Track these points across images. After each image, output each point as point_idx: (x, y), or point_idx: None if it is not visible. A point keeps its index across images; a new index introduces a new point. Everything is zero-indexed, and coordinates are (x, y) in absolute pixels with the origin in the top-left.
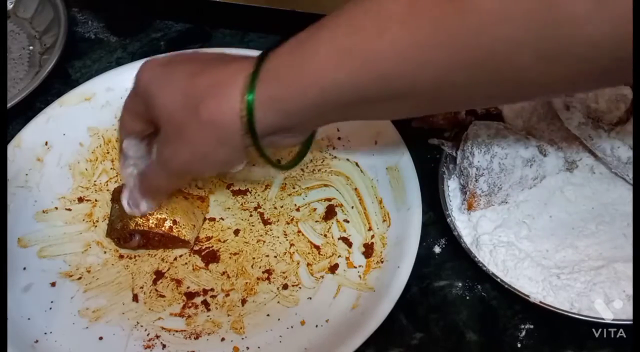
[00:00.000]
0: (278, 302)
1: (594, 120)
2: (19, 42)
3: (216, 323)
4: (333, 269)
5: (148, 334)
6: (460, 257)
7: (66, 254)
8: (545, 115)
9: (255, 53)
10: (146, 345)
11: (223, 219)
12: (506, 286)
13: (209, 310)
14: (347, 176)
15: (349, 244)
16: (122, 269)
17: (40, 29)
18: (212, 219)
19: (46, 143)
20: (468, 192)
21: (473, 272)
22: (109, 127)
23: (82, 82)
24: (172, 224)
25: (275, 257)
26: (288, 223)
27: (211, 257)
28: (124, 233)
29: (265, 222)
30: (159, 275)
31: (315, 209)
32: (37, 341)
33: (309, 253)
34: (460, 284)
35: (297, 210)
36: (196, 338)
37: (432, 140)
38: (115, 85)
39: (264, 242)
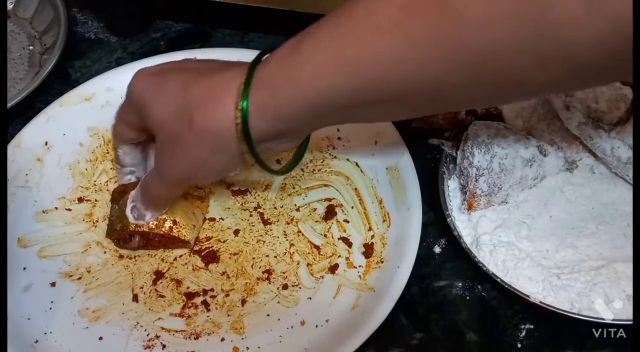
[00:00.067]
0: (278, 302)
1: (594, 120)
2: (19, 42)
3: (216, 323)
4: (333, 269)
5: (148, 334)
6: (460, 257)
7: (66, 254)
8: (545, 115)
9: (254, 53)
10: (146, 345)
11: (223, 219)
12: (506, 286)
13: (208, 310)
14: (347, 176)
15: (349, 244)
16: (122, 269)
17: (40, 29)
18: (212, 219)
19: (46, 143)
20: (468, 192)
21: (473, 272)
22: (109, 127)
23: (82, 82)
24: (172, 225)
25: (275, 257)
26: (288, 223)
27: (211, 257)
28: (123, 234)
29: (265, 222)
30: (158, 275)
31: (315, 209)
32: (37, 341)
33: (309, 253)
34: (460, 284)
35: (297, 210)
36: (196, 338)
37: (432, 140)
38: (115, 85)
39: (264, 242)
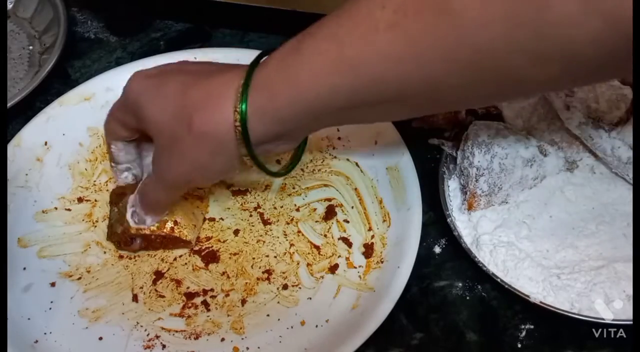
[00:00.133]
0: (278, 302)
1: (594, 120)
2: (19, 42)
3: (216, 323)
4: (333, 269)
5: (148, 334)
6: (460, 257)
7: (66, 254)
8: (545, 115)
9: (254, 53)
10: (146, 345)
11: (223, 219)
12: (506, 286)
13: (208, 310)
14: (347, 176)
15: (349, 244)
16: (121, 269)
17: (40, 29)
18: (212, 219)
19: (46, 143)
20: (468, 192)
21: (473, 272)
22: None
23: (81, 82)
24: (173, 225)
25: (275, 257)
26: (288, 223)
27: (211, 257)
28: (125, 237)
29: (265, 223)
30: (158, 275)
31: (315, 209)
32: (37, 341)
33: (309, 253)
34: (460, 284)
35: (297, 210)
36: (196, 338)
37: (432, 140)
38: (115, 85)
39: (264, 242)
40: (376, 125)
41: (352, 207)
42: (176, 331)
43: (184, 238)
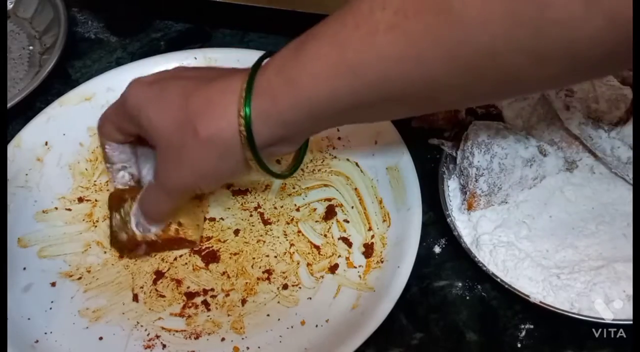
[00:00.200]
0: (278, 302)
1: (594, 120)
2: (19, 42)
3: (216, 323)
4: (333, 269)
5: (148, 334)
6: (460, 257)
7: (66, 254)
8: (545, 115)
9: (254, 53)
10: (146, 345)
11: (223, 219)
12: (506, 286)
13: (209, 310)
14: (347, 175)
15: (349, 244)
16: (122, 269)
17: (40, 29)
18: (212, 219)
19: (46, 143)
20: (468, 192)
21: (473, 272)
22: None
23: (82, 82)
24: (177, 227)
25: (275, 257)
26: (288, 223)
27: (211, 257)
28: (131, 245)
29: (265, 222)
30: (159, 275)
31: (315, 209)
32: (37, 341)
33: (309, 253)
34: (460, 284)
35: (297, 210)
36: (196, 338)
37: (432, 140)
38: (115, 85)
39: (264, 242)
40: (376, 125)
41: (352, 207)
42: (176, 331)
43: (189, 238)
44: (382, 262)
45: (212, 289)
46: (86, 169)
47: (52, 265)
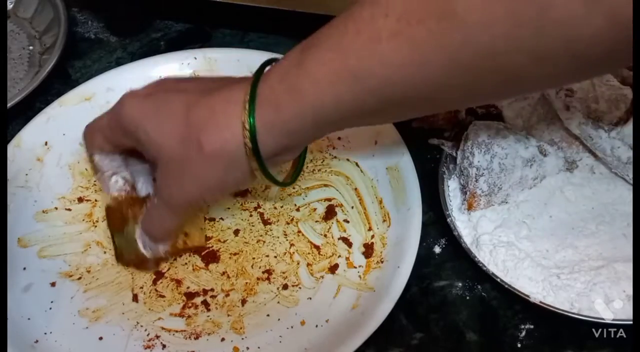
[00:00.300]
0: (278, 302)
1: (594, 120)
2: (19, 42)
3: (216, 323)
4: (333, 269)
5: (148, 334)
6: (460, 257)
7: (66, 254)
8: (545, 115)
9: (254, 53)
10: (146, 345)
11: (223, 219)
12: (506, 286)
13: (209, 310)
14: (347, 175)
15: (349, 244)
16: (121, 269)
17: (40, 29)
18: (212, 219)
19: (46, 143)
20: (468, 192)
21: (473, 272)
22: None
23: (82, 82)
24: (184, 238)
25: (275, 257)
26: (288, 223)
27: (211, 257)
28: (139, 262)
29: (265, 222)
30: (158, 275)
31: (315, 209)
32: (37, 341)
33: (309, 253)
34: (460, 284)
35: (297, 210)
36: (196, 338)
37: (432, 141)
38: (115, 85)
39: (264, 242)
40: (376, 125)
41: (352, 207)
42: (176, 331)
43: (197, 245)
44: (382, 262)
45: (212, 289)
46: (86, 169)
47: (52, 265)
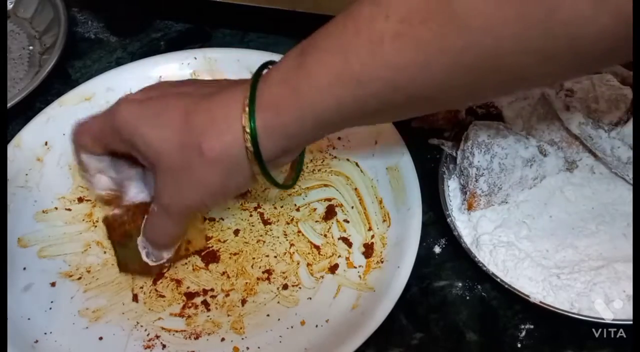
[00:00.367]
0: (278, 302)
1: (594, 120)
2: (19, 42)
3: (216, 323)
4: (333, 269)
5: (148, 334)
6: (460, 257)
7: (66, 254)
8: (545, 115)
9: (254, 53)
10: (146, 345)
11: (223, 219)
12: (506, 286)
13: (209, 310)
14: (347, 175)
15: (349, 244)
16: None
17: (40, 29)
18: (212, 219)
19: (46, 143)
20: (468, 192)
21: (473, 272)
22: None
23: (82, 82)
24: (187, 245)
25: (275, 257)
26: (288, 223)
27: (211, 257)
28: (142, 270)
29: (265, 222)
30: (158, 275)
31: (315, 209)
32: (37, 341)
33: (309, 253)
34: (460, 284)
35: (297, 210)
36: (196, 338)
37: (432, 140)
38: (115, 85)
39: (264, 242)
40: (376, 125)
41: (352, 207)
42: (176, 331)
43: (199, 248)
44: (382, 262)
45: (212, 289)
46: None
47: (52, 265)
